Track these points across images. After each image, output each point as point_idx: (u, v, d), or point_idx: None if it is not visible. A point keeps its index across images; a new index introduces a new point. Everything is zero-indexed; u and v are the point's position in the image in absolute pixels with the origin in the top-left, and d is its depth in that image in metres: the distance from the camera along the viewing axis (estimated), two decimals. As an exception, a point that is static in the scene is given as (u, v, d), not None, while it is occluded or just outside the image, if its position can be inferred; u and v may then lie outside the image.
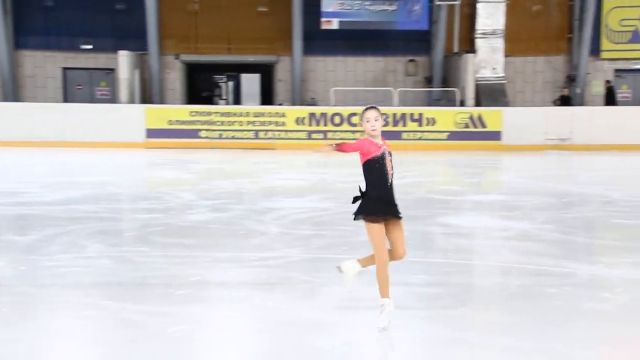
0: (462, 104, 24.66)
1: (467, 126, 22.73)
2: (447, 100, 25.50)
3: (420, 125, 22.74)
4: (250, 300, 6.52)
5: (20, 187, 13.50)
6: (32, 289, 6.70)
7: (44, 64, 27.23)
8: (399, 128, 22.68)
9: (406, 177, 16.85)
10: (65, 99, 27.13)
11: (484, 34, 25.94)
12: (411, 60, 27.84)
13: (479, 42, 25.92)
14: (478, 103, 24.87)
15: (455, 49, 26.85)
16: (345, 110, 22.93)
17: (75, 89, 27.52)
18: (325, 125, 22.63)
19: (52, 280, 7.06)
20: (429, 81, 27.42)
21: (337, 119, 22.67)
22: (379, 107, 5.74)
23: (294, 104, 26.25)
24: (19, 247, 8.51)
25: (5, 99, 25.62)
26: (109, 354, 5.16)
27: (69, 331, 5.57)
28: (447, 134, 22.71)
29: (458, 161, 20.17)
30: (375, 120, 5.60)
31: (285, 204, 11.95)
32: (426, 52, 27.69)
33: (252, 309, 6.28)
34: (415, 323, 5.92)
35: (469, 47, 26.62)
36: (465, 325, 5.92)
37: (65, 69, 27.39)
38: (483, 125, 22.76)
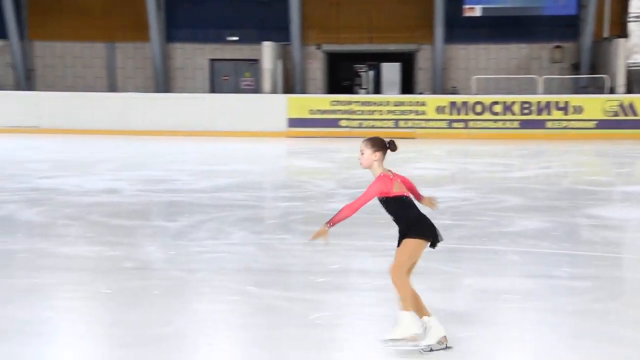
0: (611, 91, 23.64)
1: (616, 114, 21.78)
2: (596, 87, 24.50)
3: (566, 113, 21.98)
4: (390, 290, 6.52)
5: (170, 174, 14.08)
6: (181, 273, 6.97)
7: (193, 56, 28.23)
8: (544, 117, 22.01)
9: (550, 167, 16.39)
10: (212, 90, 28.04)
11: (638, 17, 24.72)
12: (557, 47, 26.94)
13: (632, 26, 24.76)
14: (630, 90, 23.77)
15: (606, 34, 25.75)
16: (487, 99, 22.49)
17: (222, 79, 28.37)
18: (467, 114, 22.28)
19: (200, 265, 7.33)
20: (576, 68, 26.45)
21: (478, 108, 22.27)
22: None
23: (434, 92, 25.99)
24: (169, 233, 8.89)
25: (157, 90, 26.76)
26: (254, 338, 5.30)
27: (216, 315, 5.76)
28: (595, 122, 21.84)
29: (606, 151, 19.38)
30: (361, 153, 5.06)
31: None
32: (573, 37, 26.71)
33: (392, 299, 6.28)
34: (561, 317, 5.75)
35: (621, 31, 25.47)
36: (615, 320, 5.70)
37: (212, 60, 28.29)
38: (634, 113, 21.74)
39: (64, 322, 5.67)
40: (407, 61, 27.89)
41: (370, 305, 6.11)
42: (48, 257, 7.70)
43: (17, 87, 26.93)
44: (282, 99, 23.42)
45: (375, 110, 22.57)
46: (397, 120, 22.44)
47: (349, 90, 27.27)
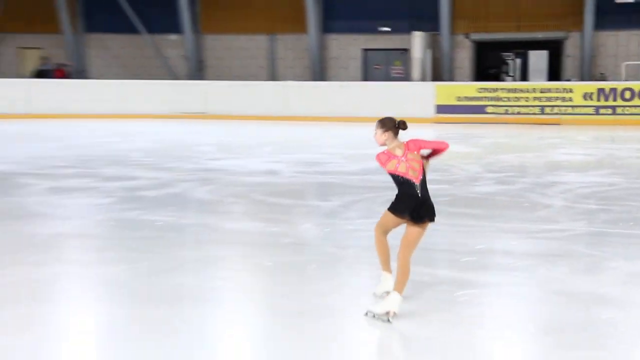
0: None
1: None
2: None
3: None
4: (533, 270, 6.39)
5: (324, 158, 14.31)
6: (335, 250, 7.11)
7: (347, 46, 28.44)
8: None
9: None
10: (365, 78, 28.16)
11: None
12: None
13: None
14: None
15: None
16: (637, 85, 21.34)
17: (373, 68, 28.43)
18: (615, 100, 21.24)
19: (351, 243, 7.45)
20: None
21: (627, 94, 21.18)
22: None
23: (582, 79, 24.93)
24: (323, 212, 9.06)
25: (314, 79, 27.20)
26: (402, 311, 5.33)
27: (367, 289, 5.84)
28: None
29: None
30: (375, 133, 5.41)
31: (569, 178, 11.48)
32: None
33: (535, 279, 6.16)
34: None
35: None
36: None
37: (365, 50, 28.39)
38: None
39: (230, 291, 5.92)
40: (554, 49, 26.90)
41: (513, 284, 6.01)
42: (215, 231, 8.05)
43: (190, 77, 28.14)
44: (431, 86, 23.22)
45: (521, 97, 21.95)
46: (542, 106, 21.72)
47: (496, 77, 26.64)
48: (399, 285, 5.15)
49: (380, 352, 4.86)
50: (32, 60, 29.29)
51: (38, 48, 29.44)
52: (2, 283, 5.96)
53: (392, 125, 5.33)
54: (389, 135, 5.33)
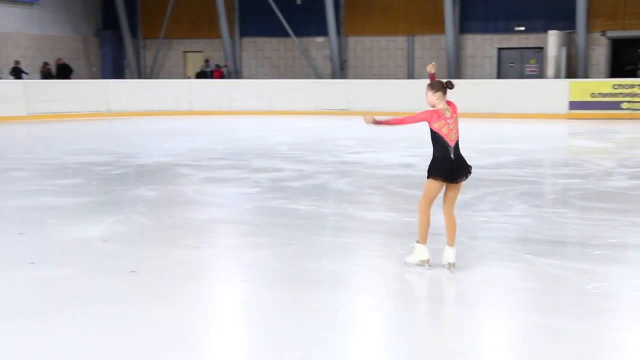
0: None
1: None
2: None
3: None
4: (668, 267, 5.95)
5: (458, 152, 13.98)
6: (465, 239, 6.90)
7: (482, 46, 27.76)
8: None
9: None
10: (499, 76, 27.40)
11: None
12: None
13: None
14: None
15: None
16: None
17: (508, 66, 27.61)
18: None
19: (483, 234, 7.23)
20: None
21: None
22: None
23: None
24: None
25: (450, 77, 26.71)
26: (532, 301, 5.12)
27: (497, 278, 5.62)
28: None
29: None
30: (426, 95, 5.68)
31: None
32: None
33: (670, 275, 5.73)
34: None
35: None
36: None
37: (500, 49, 27.62)
38: None
39: (365, 275, 5.89)
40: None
41: (647, 280, 5.62)
42: (354, 220, 8.04)
43: (333, 76, 28.39)
44: (565, 83, 22.25)
45: (659, 93, 20.58)
46: (682, 102, 20.25)
47: (632, 74, 25.13)
48: (452, 240, 5.69)
49: (511, 339, 4.66)
50: (195, 62, 30.56)
51: (200, 51, 30.69)
52: (163, 263, 6.22)
53: (441, 86, 5.60)
54: (438, 95, 5.59)
